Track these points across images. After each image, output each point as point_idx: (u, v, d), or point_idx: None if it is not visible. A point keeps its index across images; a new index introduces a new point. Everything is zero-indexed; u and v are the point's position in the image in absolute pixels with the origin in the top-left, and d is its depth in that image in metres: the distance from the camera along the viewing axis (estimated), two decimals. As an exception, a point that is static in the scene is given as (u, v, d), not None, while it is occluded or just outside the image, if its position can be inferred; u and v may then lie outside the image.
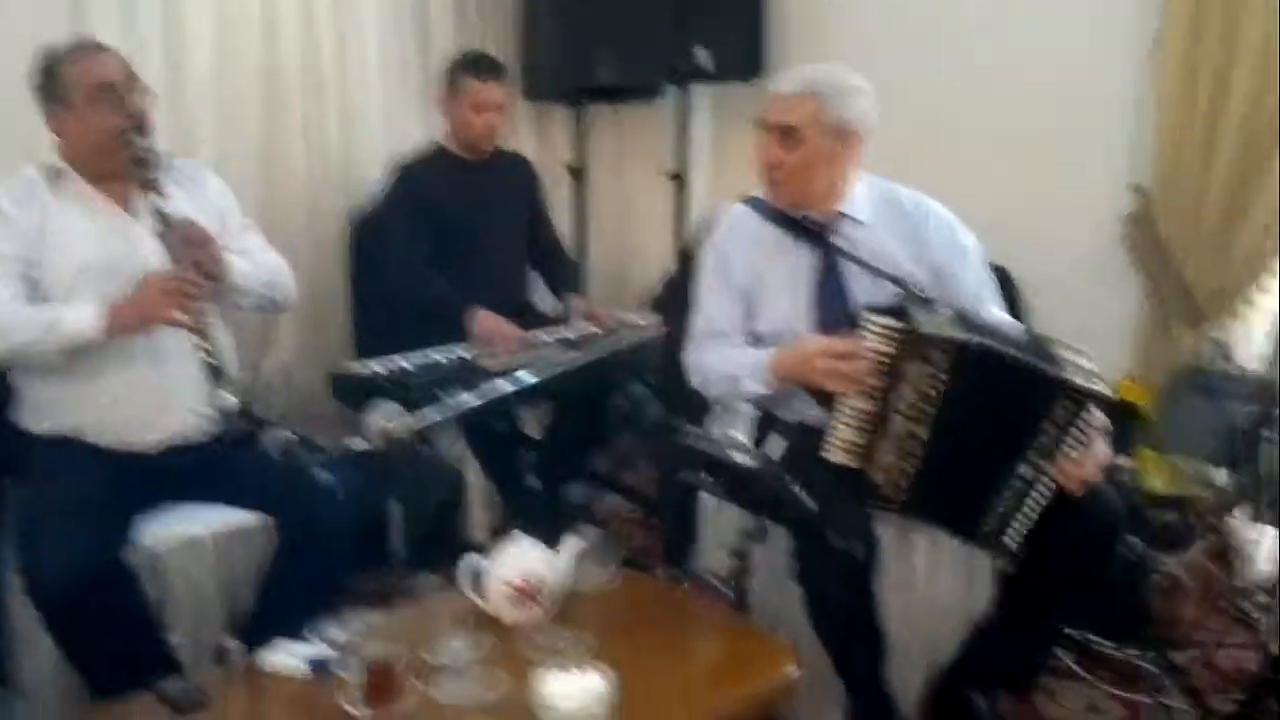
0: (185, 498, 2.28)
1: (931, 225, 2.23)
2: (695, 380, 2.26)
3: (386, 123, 3.46)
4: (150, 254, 2.17)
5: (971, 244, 2.25)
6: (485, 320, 2.93)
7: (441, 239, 3.12)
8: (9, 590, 2.25)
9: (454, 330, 2.95)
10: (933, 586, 2.27)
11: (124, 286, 2.13)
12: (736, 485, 1.84)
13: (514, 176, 3.35)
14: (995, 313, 2.22)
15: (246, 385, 3.22)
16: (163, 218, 2.12)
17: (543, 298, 3.50)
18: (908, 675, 2.19)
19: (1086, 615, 2.52)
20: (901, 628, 2.22)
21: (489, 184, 3.22)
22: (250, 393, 3.25)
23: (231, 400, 1.98)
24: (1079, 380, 1.92)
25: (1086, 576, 2.07)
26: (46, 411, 2.22)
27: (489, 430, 3.02)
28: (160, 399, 2.22)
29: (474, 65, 3.15)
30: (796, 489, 1.73)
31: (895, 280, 2.08)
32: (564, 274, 3.47)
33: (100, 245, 2.20)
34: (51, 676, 2.18)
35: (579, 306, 3.26)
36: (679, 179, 3.92)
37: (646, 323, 3.11)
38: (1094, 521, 2.01)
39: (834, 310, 2.15)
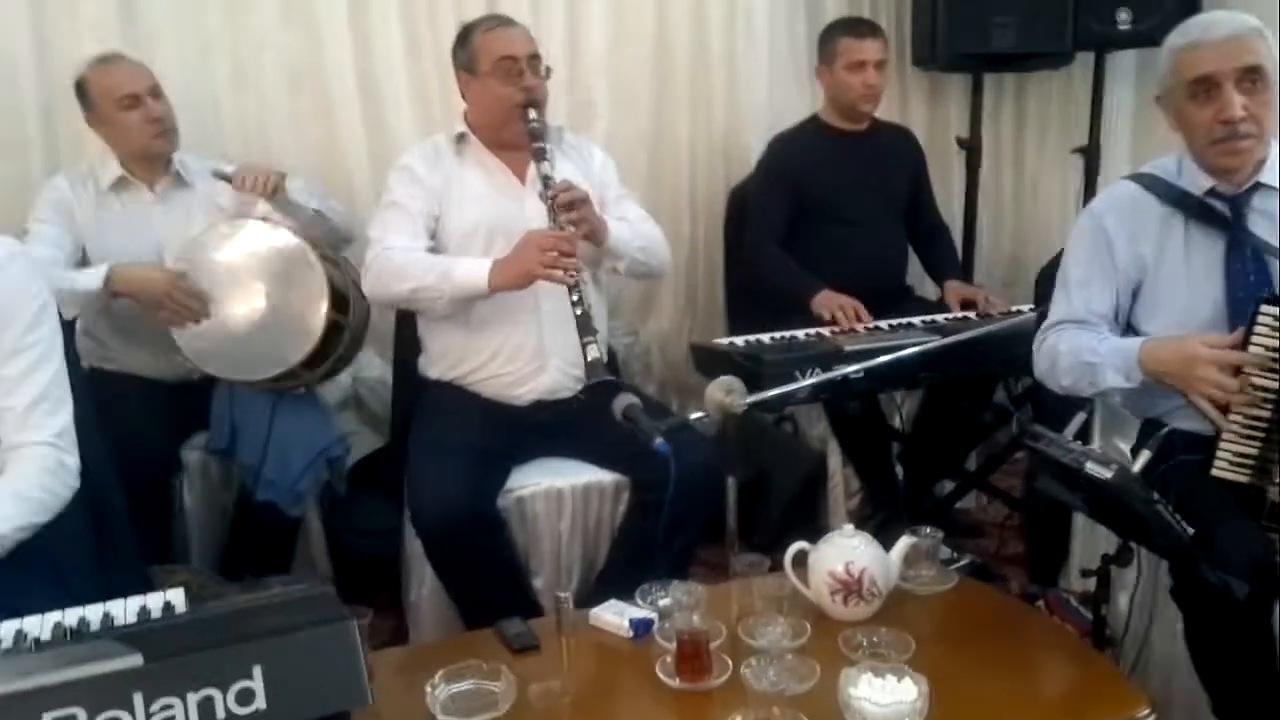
0: (552, 452, 2.45)
1: None
2: (1041, 367, 2.02)
3: (771, 98, 3.46)
4: (534, 218, 2.33)
5: None
6: (825, 297, 2.85)
7: (808, 214, 3.06)
8: (406, 518, 2.55)
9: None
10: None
11: (509, 246, 2.31)
12: (1098, 501, 1.63)
13: (894, 150, 3.22)
14: None
15: (626, 348, 3.44)
16: (545, 181, 2.27)
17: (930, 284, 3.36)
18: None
19: None
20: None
21: (865, 157, 3.12)
22: (629, 357, 3.47)
23: (595, 352, 2.08)
24: None
25: None
26: (440, 360, 2.47)
27: (850, 414, 2.95)
28: (536, 358, 2.39)
29: (847, 24, 3.11)
30: (1167, 511, 1.50)
31: None
32: (944, 256, 3.29)
33: (492, 207, 2.40)
34: (432, 602, 2.44)
35: (953, 291, 3.07)
36: (1089, 154, 3.58)
37: (1021, 309, 2.86)
38: None
39: (1249, 305, 1.82)
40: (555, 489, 2.39)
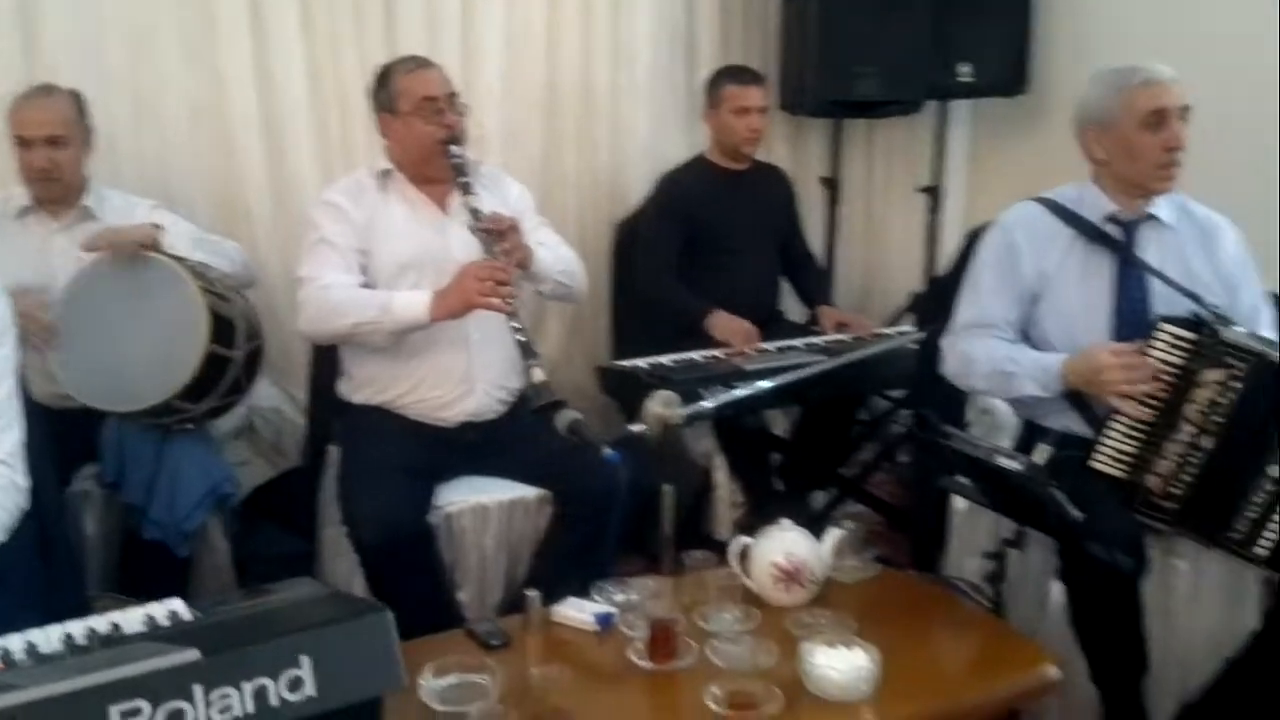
0: (477, 470, 2.55)
1: (1225, 238, 2.26)
2: (952, 367, 2.27)
3: (653, 138, 3.68)
4: (460, 250, 2.44)
5: (1250, 262, 2.26)
6: (721, 320, 3.08)
7: (695, 245, 3.29)
8: (324, 539, 2.60)
9: (703, 334, 3.11)
10: (1193, 614, 2.24)
11: (437, 278, 2.41)
12: (998, 491, 1.89)
13: (771, 187, 3.49)
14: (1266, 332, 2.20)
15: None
16: (474, 213, 2.37)
17: (792, 308, 3.63)
18: (1161, 703, 2.16)
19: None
20: (1158, 654, 2.20)
21: (746, 194, 3.38)
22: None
23: (540, 375, 2.19)
24: None
25: None
26: (366, 385, 2.54)
27: (739, 429, 3.17)
28: (464, 382, 2.49)
29: (734, 72, 3.36)
30: (1061, 497, 1.77)
31: (1191, 295, 2.11)
32: (815, 285, 3.57)
33: (420, 241, 2.49)
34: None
35: (829, 316, 3.35)
36: (933, 193, 3.95)
37: (898, 332, 3.16)
38: None
39: (1133, 317, 2.16)
40: (481, 505, 2.50)
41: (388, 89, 2.51)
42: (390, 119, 2.51)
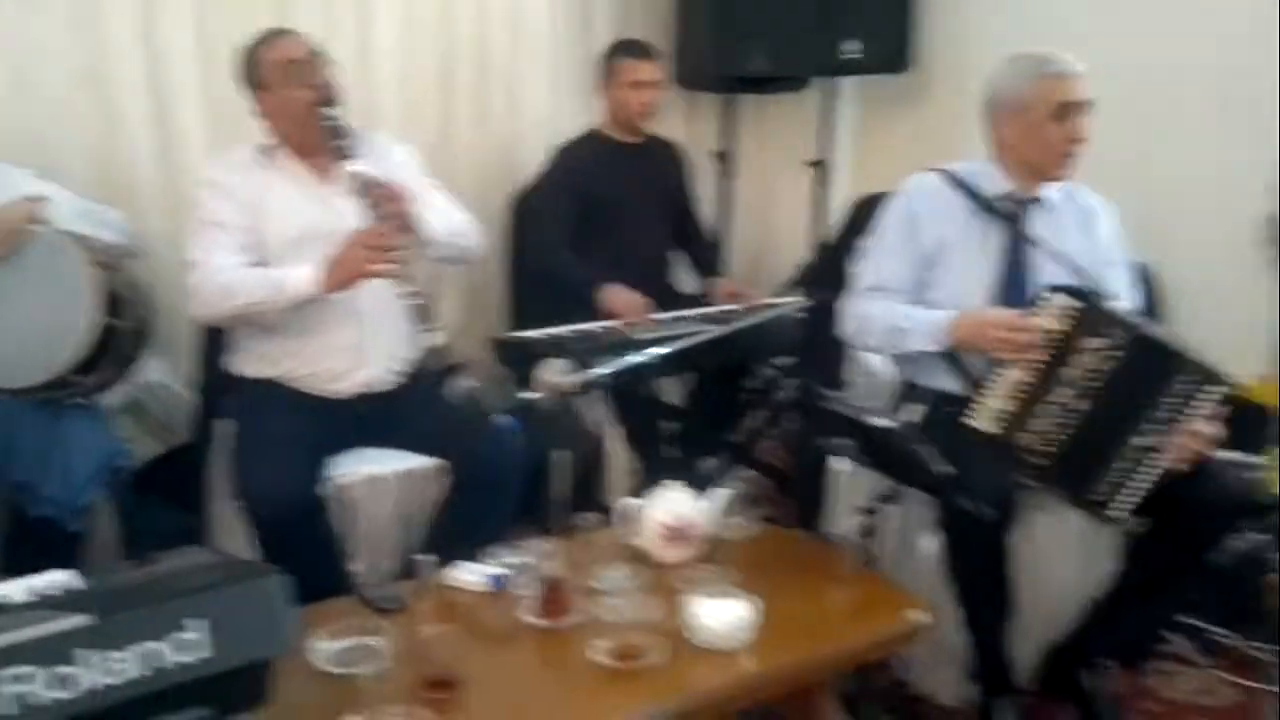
0: (371, 442, 2.57)
1: (1102, 222, 2.40)
2: (851, 327, 2.36)
3: (548, 110, 3.71)
4: (348, 220, 2.42)
5: (1122, 244, 2.42)
6: (614, 293, 3.12)
7: (590, 218, 3.33)
8: (214, 514, 2.59)
9: (597, 306, 3.14)
10: (1052, 566, 2.38)
11: (328, 250, 2.40)
12: (872, 449, 1.99)
13: (665, 161, 3.56)
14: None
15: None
16: (355, 177, 2.35)
17: (685, 280, 3.70)
18: (1025, 650, 2.32)
19: (1204, 605, 2.61)
20: (1021, 604, 2.34)
21: (641, 167, 3.43)
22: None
23: (438, 337, 2.20)
24: (1200, 358, 2.08)
25: (1200, 557, 2.18)
26: (258, 360, 2.53)
27: (633, 397, 3.23)
28: (355, 355, 2.50)
29: (629, 47, 3.40)
30: (930, 453, 1.88)
31: (1078, 269, 2.25)
32: (707, 257, 3.66)
33: (309, 216, 2.48)
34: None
35: (721, 287, 3.43)
36: (821, 168, 4.06)
37: (786, 301, 3.27)
38: (1213, 506, 2.13)
39: (1018, 288, 2.28)
40: (376, 476, 2.51)
41: (251, 65, 2.50)
42: (262, 94, 2.49)
